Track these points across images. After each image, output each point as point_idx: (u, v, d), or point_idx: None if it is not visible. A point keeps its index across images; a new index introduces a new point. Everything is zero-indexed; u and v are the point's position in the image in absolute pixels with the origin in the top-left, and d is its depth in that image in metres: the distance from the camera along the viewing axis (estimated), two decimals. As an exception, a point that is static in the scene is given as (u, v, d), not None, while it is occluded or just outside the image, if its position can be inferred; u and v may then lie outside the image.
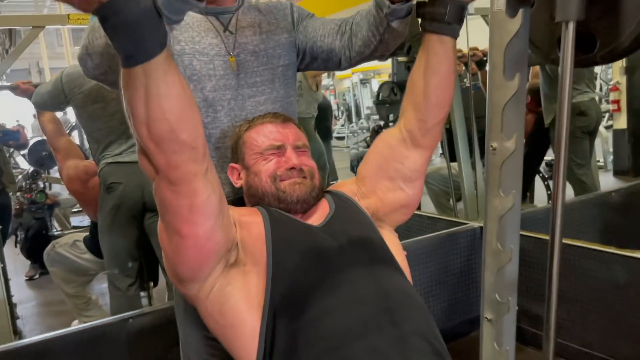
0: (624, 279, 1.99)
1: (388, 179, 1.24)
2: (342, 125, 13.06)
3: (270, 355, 0.99)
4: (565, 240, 2.15)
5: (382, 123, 5.11)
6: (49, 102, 2.46)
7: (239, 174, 1.23)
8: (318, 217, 1.19)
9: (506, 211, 1.35)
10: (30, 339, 1.80)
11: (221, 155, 1.28)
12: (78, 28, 3.18)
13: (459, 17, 1.11)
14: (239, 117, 1.28)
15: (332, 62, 1.34)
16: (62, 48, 10.68)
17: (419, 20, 1.16)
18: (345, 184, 1.32)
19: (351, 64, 1.32)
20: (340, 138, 12.10)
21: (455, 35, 1.13)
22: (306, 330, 0.98)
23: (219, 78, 1.26)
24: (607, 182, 5.48)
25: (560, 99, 1.13)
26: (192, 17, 1.28)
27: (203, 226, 0.95)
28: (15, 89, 2.70)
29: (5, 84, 3.12)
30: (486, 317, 1.46)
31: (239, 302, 1.03)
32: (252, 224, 1.10)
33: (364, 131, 11.02)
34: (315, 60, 1.37)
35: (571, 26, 1.08)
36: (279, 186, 1.16)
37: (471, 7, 1.63)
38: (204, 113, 1.26)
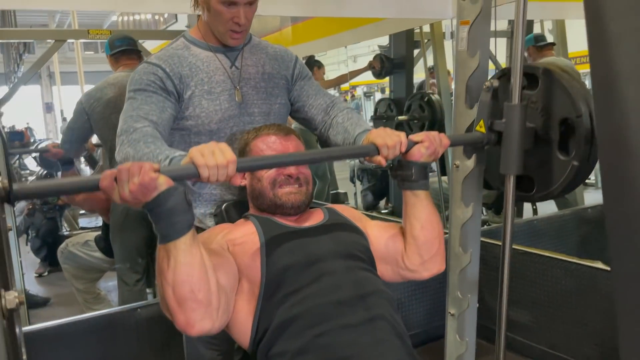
0: (586, 286, 2.20)
1: (388, 262, 1.40)
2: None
3: (263, 333, 1.20)
4: (535, 251, 2.38)
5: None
6: (74, 129, 2.69)
7: (244, 175, 1.43)
8: (311, 221, 1.39)
9: (467, 220, 1.58)
10: (45, 323, 1.97)
11: None
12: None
13: (424, 174, 1.35)
14: (252, 128, 1.49)
15: (310, 127, 1.61)
16: (72, 52, 10.92)
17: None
18: (349, 210, 1.49)
19: (322, 139, 1.59)
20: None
21: (425, 188, 1.37)
22: (292, 310, 1.19)
23: (224, 111, 1.49)
24: (597, 199, 5.64)
25: (504, 229, 1.42)
26: (202, 58, 1.50)
27: (220, 328, 1.16)
28: (46, 152, 2.96)
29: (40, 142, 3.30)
30: (450, 312, 1.68)
31: (236, 299, 1.24)
32: (247, 242, 1.29)
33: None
34: (297, 114, 1.64)
35: (512, 178, 1.38)
36: (277, 193, 1.36)
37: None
38: (208, 140, 1.47)
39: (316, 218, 1.40)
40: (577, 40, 4.48)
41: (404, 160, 1.34)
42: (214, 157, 1.08)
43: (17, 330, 0.58)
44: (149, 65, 1.46)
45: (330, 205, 1.52)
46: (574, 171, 1.33)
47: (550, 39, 4.33)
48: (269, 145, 1.40)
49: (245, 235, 1.30)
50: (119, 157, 1.34)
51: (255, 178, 1.40)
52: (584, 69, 5.59)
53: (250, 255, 1.25)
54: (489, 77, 1.48)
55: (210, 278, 1.10)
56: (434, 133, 1.35)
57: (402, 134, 1.30)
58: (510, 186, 1.38)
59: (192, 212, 1.08)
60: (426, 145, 1.31)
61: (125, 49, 2.70)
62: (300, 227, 1.36)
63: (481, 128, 1.41)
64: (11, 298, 0.53)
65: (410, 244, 1.37)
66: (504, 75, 1.42)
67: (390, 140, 1.28)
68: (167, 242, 1.05)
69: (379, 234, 1.41)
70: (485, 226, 3.33)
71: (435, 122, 3.70)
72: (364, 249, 1.36)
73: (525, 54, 3.42)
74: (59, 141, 4.08)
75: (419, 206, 1.36)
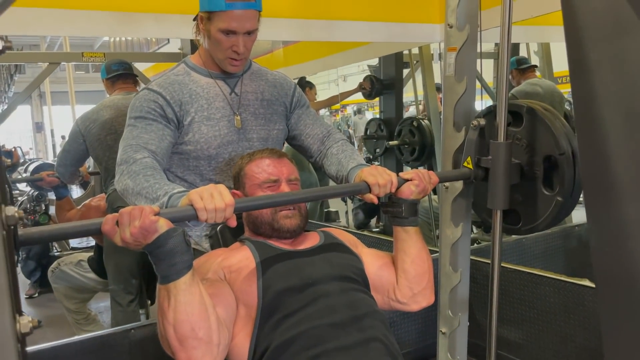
0: (573, 303, 2.24)
1: (379, 291, 1.43)
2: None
3: (260, 356, 1.22)
4: (524, 269, 2.42)
5: (370, 156, 5.40)
6: (70, 152, 2.71)
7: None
8: (306, 244, 1.42)
9: (457, 239, 1.62)
10: (38, 345, 1.92)
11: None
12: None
13: (414, 211, 1.41)
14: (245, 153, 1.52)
15: (305, 155, 1.67)
16: (63, 72, 10.91)
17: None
18: (345, 235, 1.53)
19: (316, 166, 1.65)
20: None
21: (415, 224, 1.42)
22: (288, 333, 1.21)
23: (223, 137, 1.53)
24: (584, 216, 5.73)
25: (492, 259, 1.47)
26: (202, 85, 1.53)
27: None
28: (40, 180, 2.98)
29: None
30: (441, 331, 1.71)
31: (235, 323, 1.26)
32: (242, 268, 1.31)
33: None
34: (294, 141, 1.69)
35: (499, 212, 1.45)
36: (276, 217, 1.39)
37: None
38: (207, 164, 1.52)
39: (312, 241, 1.43)
40: (562, 61, 4.59)
41: (394, 197, 1.39)
42: (213, 200, 1.12)
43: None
44: (150, 92, 1.49)
45: (326, 228, 1.55)
46: (558, 206, 1.39)
47: (535, 59, 4.44)
48: (264, 168, 1.43)
49: (241, 261, 1.32)
50: (118, 187, 1.38)
51: None
52: (568, 88, 5.71)
53: (246, 281, 1.27)
54: (477, 107, 1.54)
55: (210, 315, 1.13)
56: (424, 171, 1.41)
57: (393, 174, 1.37)
58: (497, 220, 1.45)
59: (191, 252, 1.11)
60: (416, 183, 1.37)
61: (121, 73, 2.75)
62: (296, 249, 1.38)
63: (469, 164, 1.48)
64: (25, 322, 0.55)
65: (400, 277, 1.41)
66: (490, 112, 1.48)
67: (381, 179, 1.33)
68: (168, 283, 1.09)
69: (372, 261, 1.45)
70: (475, 244, 3.38)
71: (426, 147, 3.78)
72: (358, 271, 1.39)
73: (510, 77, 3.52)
74: (49, 161, 4.07)
75: (409, 242, 1.41)
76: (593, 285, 2.14)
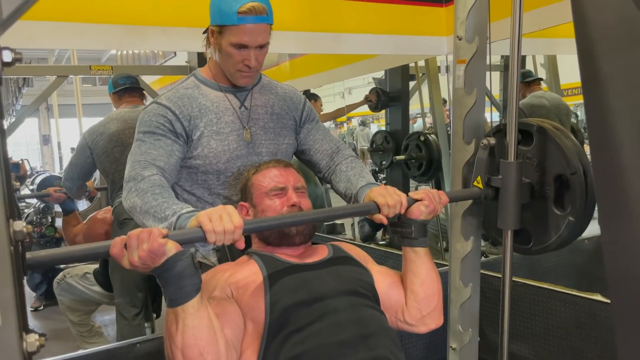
0: (585, 318, 2.20)
1: (388, 310, 1.40)
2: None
3: None
4: (534, 283, 2.39)
5: (376, 168, 5.39)
6: (77, 165, 2.72)
7: (247, 211, 1.45)
8: (315, 257, 1.40)
9: (467, 254, 1.60)
10: None
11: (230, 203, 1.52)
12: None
13: (424, 232, 1.39)
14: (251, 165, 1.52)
15: (314, 170, 1.66)
16: (71, 85, 11.00)
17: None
18: (354, 249, 1.51)
19: (325, 181, 1.64)
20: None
21: (424, 245, 1.40)
22: (295, 349, 1.19)
23: (232, 151, 1.51)
24: (594, 229, 5.68)
25: (503, 278, 1.45)
26: (212, 99, 1.52)
27: None
28: (47, 196, 3.00)
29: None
30: (451, 346, 1.68)
31: (242, 340, 1.24)
32: (249, 283, 1.29)
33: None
34: (303, 156, 1.67)
35: (509, 232, 1.43)
36: None
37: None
38: (216, 178, 1.51)
39: (320, 254, 1.41)
40: (569, 73, 4.58)
41: (404, 217, 1.38)
42: (222, 222, 1.11)
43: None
44: (159, 106, 1.47)
45: (335, 242, 1.52)
46: (570, 226, 1.38)
47: (542, 72, 4.43)
48: (271, 177, 1.43)
49: (248, 276, 1.30)
50: (126, 204, 1.37)
51: (259, 212, 1.42)
52: (575, 100, 5.69)
53: (253, 297, 1.26)
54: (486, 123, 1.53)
55: (219, 339, 1.11)
56: (434, 191, 1.39)
57: (403, 195, 1.35)
58: (508, 240, 1.43)
59: (200, 276, 1.11)
60: (426, 203, 1.36)
61: (127, 87, 2.76)
62: (304, 263, 1.36)
63: (479, 184, 1.46)
64: (32, 341, 0.54)
65: (409, 299, 1.39)
66: (499, 131, 1.46)
67: (391, 199, 1.32)
68: (176, 306, 1.08)
69: (381, 279, 1.42)
70: (483, 258, 3.35)
71: (433, 162, 3.77)
72: (368, 285, 1.37)
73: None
74: (56, 173, 4.08)
75: (419, 263, 1.39)
76: (605, 300, 2.11)
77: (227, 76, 1.52)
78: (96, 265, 3.05)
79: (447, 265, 2.78)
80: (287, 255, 1.38)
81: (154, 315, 3.04)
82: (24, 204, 6.25)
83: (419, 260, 1.39)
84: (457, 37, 1.52)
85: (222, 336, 1.13)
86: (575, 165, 1.33)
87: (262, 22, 1.42)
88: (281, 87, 1.66)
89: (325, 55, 3.80)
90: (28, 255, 0.86)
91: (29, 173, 6.20)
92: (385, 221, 1.33)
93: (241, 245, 1.16)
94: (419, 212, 1.36)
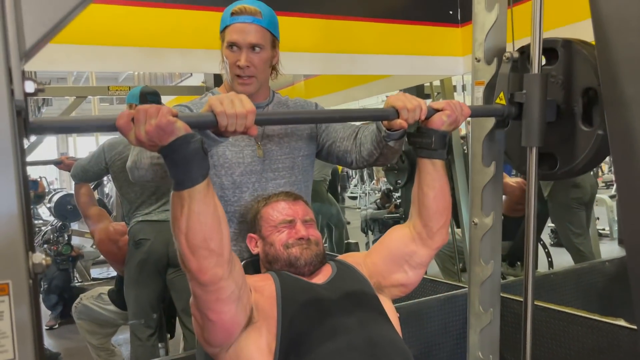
0: (608, 344, 2.14)
1: (396, 265, 1.41)
2: (355, 186, 13.32)
3: None
4: (555, 307, 2.34)
5: (391, 187, 5.36)
6: (89, 171, 2.74)
7: (256, 243, 1.45)
8: (321, 277, 1.40)
9: (486, 278, 1.57)
10: None
11: (242, 229, 1.52)
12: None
13: (443, 143, 1.35)
14: (261, 197, 1.51)
15: (345, 161, 1.58)
16: (89, 104, 11.16)
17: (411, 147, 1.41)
18: (352, 256, 1.51)
19: (359, 166, 1.56)
20: (353, 198, 12.33)
21: (442, 158, 1.37)
22: None
23: (247, 165, 1.51)
24: (612, 250, 5.60)
25: (527, 204, 1.38)
26: None
27: (228, 314, 1.16)
28: (60, 163, 3.04)
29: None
30: (471, 373, 1.64)
31: (252, 353, 1.23)
32: (264, 287, 1.30)
33: (376, 192, 11.25)
34: (331, 156, 1.61)
35: (534, 150, 1.37)
36: (291, 252, 1.37)
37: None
38: (232, 193, 1.50)
39: (325, 273, 1.41)
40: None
41: (424, 127, 1.33)
42: (233, 105, 1.07)
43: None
44: (179, 106, 1.51)
45: (337, 258, 1.51)
46: (599, 141, 1.32)
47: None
48: (279, 210, 1.42)
49: (262, 280, 1.32)
50: (128, 163, 1.36)
51: (268, 244, 1.42)
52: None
53: (268, 302, 1.26)
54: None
55: (223, 229, 1.10)
56: (456, 101, 1.34)
57: (422, 100, 1.30)
58: (533, 160, 1.36)
59: (208, 162, 1.07)
60: (447, 113, 1.31)
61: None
62: (313, 282, 1.36)
63: (501, 100, 1.40)
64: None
65: (421, 214, 1.37)
66: (523, 53, 1.42)
67: (409, 103, 1.27)
68: (182, 190, 1.05)
69: (380, 246, 1.44)
70: (502, 280, 3.29)
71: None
72: (375, 299, 1.36)
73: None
74: (72, 191, 4.13)
75: (435, 175, 1.35)
76: (629, 326, 2.05)
77: (232, 86, 1.52)
78: (111, 286, 3.06)
79: (464, 288, 2.75)
80: (297, 274, 1.38)
81: (168, 336, 3.03)
82: (40, 221, 6.32)
83: (436, 173, 1.35)
84: (476, 58, 1.51)
85: (227, 228, 1.12)
86: None
87: (253, 22, 1.43)
88: (292, 101, 1.66)
89: (339, 75, 3.82)
90: (32, 120, 0.78)
91: (47, 190, 6.27)
92: (405, 125, 1.28)
93: (254, 131, 1.12)
94: (441, 121, 1.31)
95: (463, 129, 4.03)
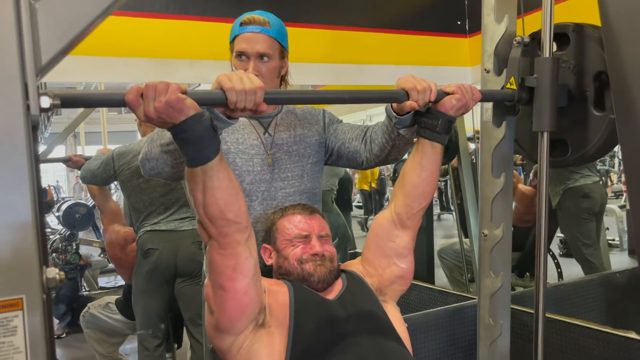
0: (619, 357, 2.11)
1: (384, 257, 1.43)
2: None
3: None
4: (565, 319, 2.31)
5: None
6: (98, 176, 2.76)
7: (270, 254, 1.45)
8: (333, 291, 1.39)
9: (496, 290, 1.55)
10: None
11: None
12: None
13: (448, 128, 1.35)
14: (271, 206, 1.52)
15: (355, 162, 1.58)
16: (97, 113, 11.23)
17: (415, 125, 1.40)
18: (352, 264, 1.52)
19: (370, 165, 1.57)
20: (360, 207, 12.32)
21: (443, 143, 1.37)
22: None
23: (256, 173, 1.51)
24: (622, 260, 5.55)
25: (539, 192, 1.36)
26: (239, 122, 1.53)
27: (241, 282, 1.19)
28: (68, 161, 3.06)
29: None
30: (481, 387, 1.62)
31: (263, 359, 1.23)
32: (279, 292, 1.31)
33: (385, 203, 11.23)
34: (341, 158, 1.61)
35: (545, 135, 1.34)
36: (304, 268, 1.37)
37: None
38: None
39: (337, 287, 1.41)
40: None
41: (433, 109, 1.33)
42: (242, 82, 1.07)
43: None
44: None
45: (342, 267, 1.50)
46: (611, 125, 1.30)
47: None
48: (295, 224, 1.42)
49: (276, 285, 1.33)
50: (140, 156, 1.37)
51: (282, 257, 1.41)
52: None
53: (280, 308, 1.27)
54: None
55: (240, 200, 1.15)
56: (467, 85, 1.33)
57: (432, 82, 1.30)
58: (545, 145, 1.34)
59: (219, 138, 1.09)
60: (458, 97, 1.30)
61: None
62: (325, 297, 1.36)
63: (512, 85, 1.39)
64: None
65: (406, 193, 1.38)
66: (532, 39, 1.41)
67: (419, 85, 1.27)
68: (195, 167, 1.08)
69: (367, 242, 1.48)
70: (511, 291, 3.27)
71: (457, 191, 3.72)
72: (383, 313, 1.36)
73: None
74: (82, 200, 4.14)
75: (432, 158, 1.36)
76: (641, 339, 2.03)
77: None
78: (118, 296, 3.06)
79: (473, 299, 2.73)
80: (311, 287, 1.38)
81: (175, 346, 3.02)
82: (49, 229, 6.35)
83: (433, 155, 1.36)
84: (485, 69, 1.51)
85: (243, 197, 1.17)
86: None
87: (261, 31, 1.45)
88: (299, 109, 1.67)
89: (347, 85, 3.83)
90: (42, 93, 0.71)
91: (56, 199, 6.31)
92: (416, 106, 1.27)
93: (263, 107, 1.11)
94: (450, 105, 1.30)
95: (472, 146, 4.02)
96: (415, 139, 1.40)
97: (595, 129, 1.35)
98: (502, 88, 1.44)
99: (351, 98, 1.44)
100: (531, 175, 4.13)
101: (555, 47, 1.38)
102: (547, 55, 1.33)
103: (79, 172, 2.97)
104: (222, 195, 1.10)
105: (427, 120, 1.34)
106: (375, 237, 1.47)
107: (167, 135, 1.23)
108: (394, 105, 1.36)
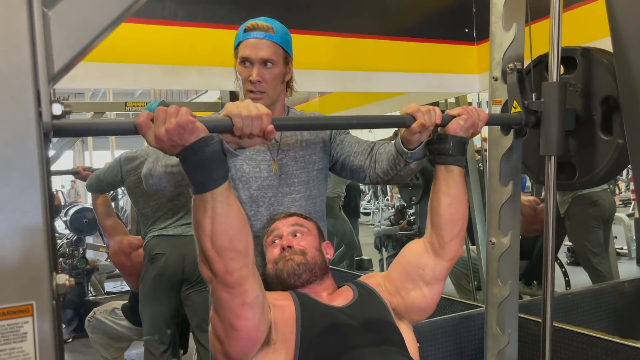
0: (629, 367, 2.09)
1: (411, 282, 1.37)
2: (369, 202, 13.28)
3: None
4: (573, 328, 2.29)
5: (405, 204, 5.33)
6: (104, 182, 2.78)
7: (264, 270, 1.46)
8: (342, 300, 1.38)
9: (504, 299, 1.54)
10: None
11: (259, 243, 1.51)
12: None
13: (462, 150, 1.33)
14: (277, 211, 1.52)
15: (358, 176, 1.58)
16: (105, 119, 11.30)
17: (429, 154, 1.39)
18: (374, 277, 1.49)
19: (372, 183, 1.56)
20: (367, 214, 12.29)
21: (460, 165, 1.33)
22: None
23: (263, 179, 1.52)
24: (631, 269, 5.50)
25: (546, 214, 1.35)
26: None
27: (252, 320, 1.15)
28: (77, 174, 3.10)
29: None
30: (489, 396, 1.61)
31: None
32: (285, 307, 1.29)
33: (389, 208, 11.20)
34: (344, 170, 1.61)
35: (553, 159, 1.35)
36: (277, 267, 1.38)
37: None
38: (248, 208, 1.51)
39: (346, 296, 1.39)
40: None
41: (442, 134, 1.32)
42: (248, 109, 1.08)
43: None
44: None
45: (359, 279, 1.49)
46: (619, 150, 1.30)
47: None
48: (272, 231, 1.45)
49: (282, 299, 1.30)
50: (143, 171, 1.38)
51: (268, 264, 1.43)
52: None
53: (287, 323, 1.25)
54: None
55: (247, 230, 1.11)
56: (472, 107, 1.33)
57: (434, 107, 1.30)
58: (552, 169, 1.34)
59: (227, 163, 1.08)
60: (464, 117, 1.30)
61: None
62: (333, 305, 1.34)
63: (516, 108, 1.39)
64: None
65: (434, 224, 1.34)
66: (540, 62, 1.42)
67: (423, 107, 1.28)
68: (204, 192, 1.05)
69: (396, 262, 1.42)
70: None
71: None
72: (392, 327, 1.34)
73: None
74: (88, 204, 4.16)
75: (451, 182, 1.32)
76: (651, 349, 2.00)
77: None
78: (125, 301, 3.07)
79: (479, 307, 2.71)
80: (315, 294, 1.36)
81: (181, 351, 3.02)
82: (56, 233, 6.37)
83: (452, 179, 1.32)
84: (493, 77, 1.51)
85: (249, 228, 1.13)
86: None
87: (265, 37, 1.46)
88: (307, 114, 1.68)
89: (354, 92, 3.84)
90: (55, 121, 0.75)
91: (62, 203, 6.33)
92: (425, 123, 1.26)
93: (273, 135, 1.10)
94: (458, 126, 1.29)
95: (478, 144, 4.01)
96: (432, 168, 1.39)
97: (603, 154, 1.35)
98: (505, 103, 1.43)
99: (359, 124, 1.44)
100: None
101: (562, 69, 1.38)
102: (555, 79, 1.33)
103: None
104: (232, 222, 1.07)
105: (438, 146, 1.33)
106: (404, 260, 1.42)
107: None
108: (403, 135, 1.35)
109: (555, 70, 1.33)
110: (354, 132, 1.72)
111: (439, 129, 1.32)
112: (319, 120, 1.32)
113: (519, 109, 1.40)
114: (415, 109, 1.28)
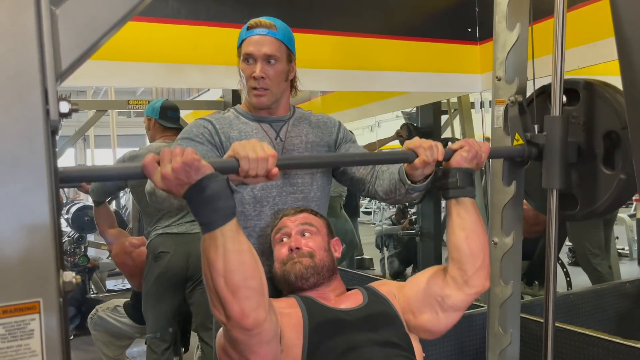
0: (630, 368, 2.09)
1: (427, 305, 1.33)
2: (370, 201, 13.27)
3: None
4: (575, 328, 2.29)
5: (406, 203, 5.32)
6: (108, 183, 2.77)
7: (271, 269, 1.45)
8: (350, 303, 1.37)
9: (506, 298, 1.54)
10: None
11: (262, 242, 1.52)
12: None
13: (470, 181, 1.31)
14: (281, 211, 1.52)
15: (357, 188, 1.59)
16: (107, 117, 11.31)
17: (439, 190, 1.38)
18: (387, 284, 1.46)
19: (370, 197, 1.59)
20: (367, 213, 12.29)
21: (471, 195, 1.31)
22: None
23: None
24: (632, 270, 5.50)
25: (548, 243, 1.36)
26: (250, 126, 1.55)
27: (270, 353, 1.14)
28: (80, 187, 3.13)
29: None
30: (490, 396, 1.61)
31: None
32: (292, 315, 1.27)
33: (391, 207, 11.19)
34: (345, 177, 1.61)
35: (555, 192, 1.36)
36: (285, 269, 1.37)
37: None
38: (252, 208, 1.51)
39: (355, 300, 1.38)
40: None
41: (447, 168, 1.31)
42: (255, 150, 1.08)
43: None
44: (202, 120, 1.53)
45: (371, 284, 1.47)
46: (621, 185, 1.30)
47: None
48: (280, 228, 1.44)
49: (288, 307, 1.29)
50: (149, 187, 1.37)
51: (275, 264, 1.42)
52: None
53: (294, 330, 1.24)
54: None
55: (260, 268, 1.08)
56: (472, 139, 1.33)
57: (436, 142, 1.30)
58: (554, 202, 1.34)
59: (234, 199, 1.07)
60: (466, 149, 1.29)
61: (175, 127, 2.74)
62: (340, 309, 1.34)
63: (518, 141, 1.39)
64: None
65: (453, 259, 1.30)
66: (543, 92, 1.41)
67: (424, 143, 1.27)
68: (213, 230, 1.03)
69: (415, 281, 1.37)
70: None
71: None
72: (402, 335, 1.33)
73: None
74: (89, 203, 4.18)
75: (464, 214, 1.30)
76: (652, 350, 2.00)
77: (248, 99, 1.54)
78: (127, 299, 3.07)
79: (481, 307, 2.71)
80: (322, 298, 1.36)
81: (182, 350, 3.02)
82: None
83: (465, 212, 1.29)
84: (497, 77, 1.51)
85: (263, 269, 1.09)
86: (626, 120, 1.23)
87: (268, 34, 1.47)
88: (314, 116, 1.67)
89: (356, 91, 3.84)
90: (61, 169, 0.78)
91: (64, 202, 6.34)
92: (428, 160, 1.26)
93: (275, 174, 1.10)
94: (462, 158, 1.29)
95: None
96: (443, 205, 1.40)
97: (605, 187, 1.35)
98: (507, 106, 1.44)
99: (363, 160, 1.46)
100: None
101: (565, 99, 1.37)
102: (557, 113, 1.33)
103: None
104: (244, 259, 1.05)
105: (445, 180, 1.32)
106: (424, 284, 1.35)
107: None
108: (406, 169, 1.35)
109: (558, 104, 1.33)
110: (355, 133, 1.73)
111: (443, 163, 1.32)
112: (323, 158, 1.35)
113: (520, 142, 1.40)
114: (417, 144, 1.27)
